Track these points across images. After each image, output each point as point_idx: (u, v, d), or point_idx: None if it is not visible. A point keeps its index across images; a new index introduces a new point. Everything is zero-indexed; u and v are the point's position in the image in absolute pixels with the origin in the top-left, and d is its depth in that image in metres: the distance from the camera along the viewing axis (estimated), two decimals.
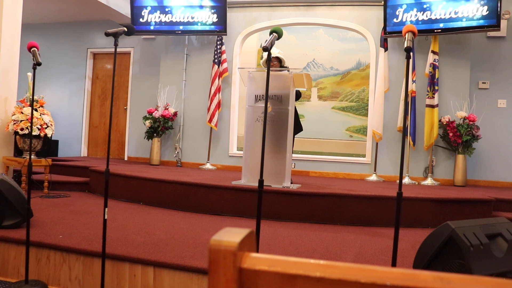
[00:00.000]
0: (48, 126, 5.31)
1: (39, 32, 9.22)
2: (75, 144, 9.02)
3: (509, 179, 6.77)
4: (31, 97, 4.82)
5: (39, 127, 5.20)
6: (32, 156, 4.95)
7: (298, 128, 5.16)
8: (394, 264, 2.29)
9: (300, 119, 5.36)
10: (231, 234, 0.62)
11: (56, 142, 8.73)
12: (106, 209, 2.61)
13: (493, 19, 6.02)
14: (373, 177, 6.77)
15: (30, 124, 4.47)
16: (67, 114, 9.02)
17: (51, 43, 9.17)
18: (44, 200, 4.99)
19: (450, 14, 6.25)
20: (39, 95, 5.55)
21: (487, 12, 6.03)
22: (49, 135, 5.35)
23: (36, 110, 5.26)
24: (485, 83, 6.89)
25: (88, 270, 2.99)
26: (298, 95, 5.13)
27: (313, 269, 0.58)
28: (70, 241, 3.16)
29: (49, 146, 8.05)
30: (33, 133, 5.13)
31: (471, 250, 2.29)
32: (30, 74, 5.20)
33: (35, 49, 3.03)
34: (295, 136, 5.16)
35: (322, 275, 0.58)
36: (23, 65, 5.74)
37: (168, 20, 7.56)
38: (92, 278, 2.97)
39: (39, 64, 2.96)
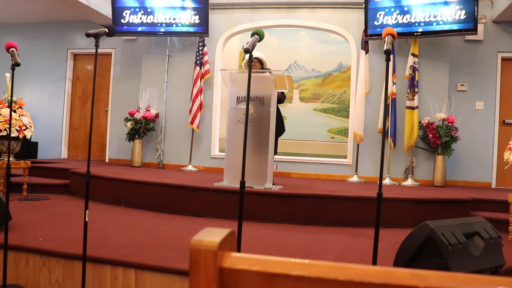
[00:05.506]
0: (27, 128, 5.23)
1: (17, 32, 9.06)
2: (55, 146, 8.89)
3: (486, 180, 6.90)
4: (9, 98, 4.76)
5: (18, 128, 5.12)
6: (10, 158, 4.87)
7: (281, 129, 5.18)
8: (374, 263, 2.32)
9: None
10: (211, 234, 0.62)
11: (36, 144, 8.59)
12: (87, 211, 2.58)
13: (471, 23, 6.14)
14: (354, 178, 6.83)
15: (8, 126, 4.40)
16: (47, 116, 8.88)
17: (31, 44, 9.02)
18: (23, 203, 4.91)
19: (429, 17, 6.36)
20: (18, 96, 5.46)
21: (465, 16, 6.15)
22: (28, 137, 5.27)
23: (14, 111, 5.18)
24: (463, 85, 7.01)
25: (68, 273, 2.95)
26: (283, 98, 5.17)
27: (292, 268, 0.59)
28: (50, 244, 3.12)
29: (28, 148, 7.92)
30: (12, 135, 5.05)
31: (450, 249, 2.33)
32: (8, 75, 5.13)
33: (14, 49, 2.98)
34: (279, 137, 5.18)
35: (301, 273, 0.59)
36: (1, 66, 5.64)
37: (149, 21, 7.51)
38: (73, 282, 2.94)
39: (18, 64, 2.91)
